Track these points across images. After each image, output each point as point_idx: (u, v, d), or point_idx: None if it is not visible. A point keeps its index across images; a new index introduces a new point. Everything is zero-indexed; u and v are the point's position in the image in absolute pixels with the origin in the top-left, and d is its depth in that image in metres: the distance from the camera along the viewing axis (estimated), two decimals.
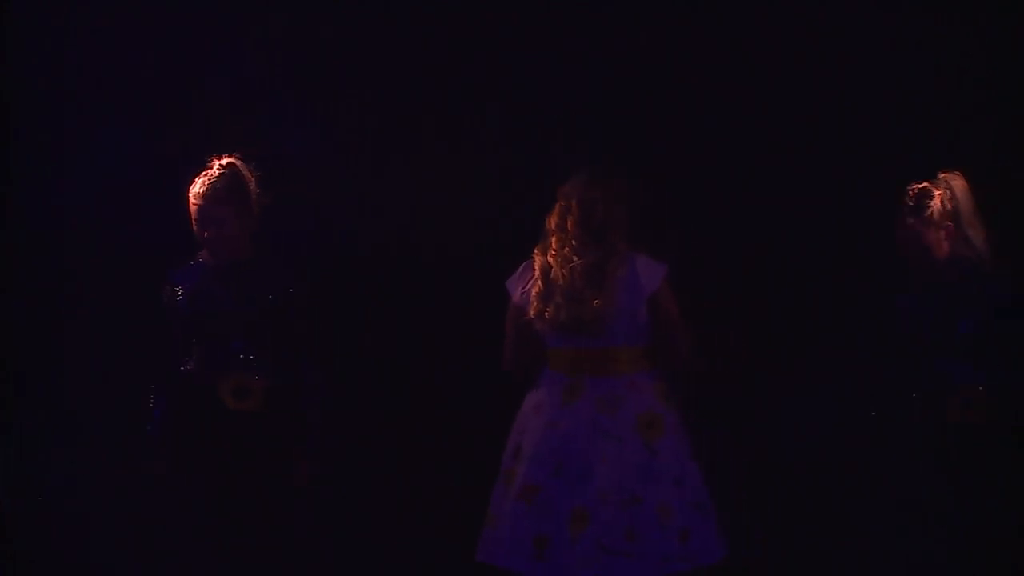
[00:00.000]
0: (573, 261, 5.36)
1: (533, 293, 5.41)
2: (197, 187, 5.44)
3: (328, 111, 6.47)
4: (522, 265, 5.51)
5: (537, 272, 5.42)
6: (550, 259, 5.40)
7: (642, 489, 5.32)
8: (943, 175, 5.45)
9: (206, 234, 5.43)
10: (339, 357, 6.27)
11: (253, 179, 5.52)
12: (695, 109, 6.32)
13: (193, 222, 5.46)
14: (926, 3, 6.15)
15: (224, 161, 5.48)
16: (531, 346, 5.48)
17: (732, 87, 6.29)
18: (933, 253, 5.40)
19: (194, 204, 5.44)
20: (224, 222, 5.42)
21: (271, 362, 5.43)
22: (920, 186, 5.43)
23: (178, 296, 5.47)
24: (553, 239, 5.43)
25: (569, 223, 5.40)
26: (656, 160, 6.28)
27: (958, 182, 5.44)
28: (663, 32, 6.34)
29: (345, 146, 6.47)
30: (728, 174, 6.31)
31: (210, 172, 5.46)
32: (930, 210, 5.40)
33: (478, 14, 6.42)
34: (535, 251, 5.47)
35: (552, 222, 5.45)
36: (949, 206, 5.41)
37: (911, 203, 5.41)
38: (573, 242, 5.38)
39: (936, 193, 5.41)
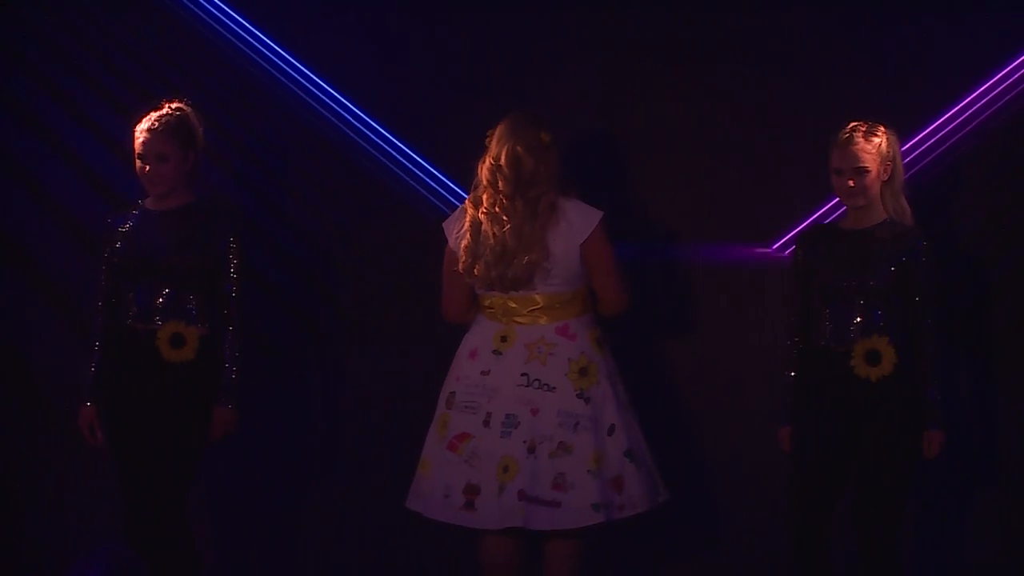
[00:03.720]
0: (503, 221, 5.36)
1: (462, 246, 5.42)
2: (144, 123, 5.50)
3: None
4: (459, 207, 5.53)
5: (467, 224, 5.43)
6: (481, 215, 5.40)
7: (573, 438, 5.33)
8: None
9: (147, 168, 5.46)
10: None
11: (201, 128, 5.57)
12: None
13: (136, 157, 5.50)
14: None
15: (175, 104, 5.55)
16: (469, 290, 5.50)
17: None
18: (868, 189, 5.37)
19: (139, 138, 5.48)
20: (167, 158, 5.44)
21: (205, 310, 5.47)
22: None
23: (117, 242, 5.51)
24: (484, 196, 5.42)
25: (500, 182, 5.38)
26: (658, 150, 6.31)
27: (896, 142, 5.45)
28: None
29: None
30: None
31: (160, 110, 5.53)
32: (879, 138, 5.41)
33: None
34: (467, 199, 5.48)
35: (484, 175, 5.44)
36: (890, 151, 5.42)
37: (862, 129, 5.41)
38: (504, 201, 5.37)
39: (883, 130, 5.44)
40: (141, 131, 5.48)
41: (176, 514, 5.42)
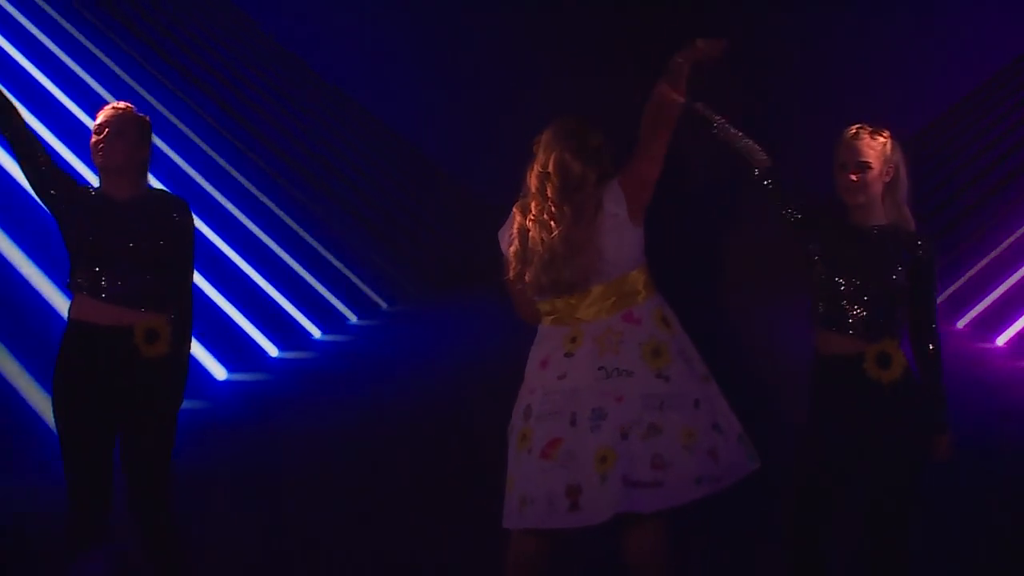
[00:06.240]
0: (552, 227, 5.34)
1: (511, 252, 5.41)
2: (110, 105, 5.55)
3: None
4: (510, 215, 5.48)
5: (515, 231, 5.41)
6: (529, 223, 5.39)
7: (660, 417, 5.32)
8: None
9: (102, 142, 5.47)
10: None
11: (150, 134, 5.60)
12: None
13: (93, 132, 5.50)
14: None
15: (125, 104, 5.60)
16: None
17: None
18: (869, 187, 5.38)
19: (102, 114, 5.51)
20: (124, 134, 5.46)
21: (167, 297, 5.48)
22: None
23: (77, 218, 5.45)
24: (533, 203, 5.39)
25: (548, 189, 5.35)
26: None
27: (900, 150, 5.47)
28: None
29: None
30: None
31: (116, 104, 5.59)
32: (883, 138, 5.42)
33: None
34: (515, 207, 5.44)
35: (532, 183, 5.41)
36: (893, 155, 5.42)
37: (868, 129, 5.41)
38: (553, 208, 5.35)
39: (888, 134, 5.44)
40: (106, 108, 5.53)
41: (160, 504, 5.39)
